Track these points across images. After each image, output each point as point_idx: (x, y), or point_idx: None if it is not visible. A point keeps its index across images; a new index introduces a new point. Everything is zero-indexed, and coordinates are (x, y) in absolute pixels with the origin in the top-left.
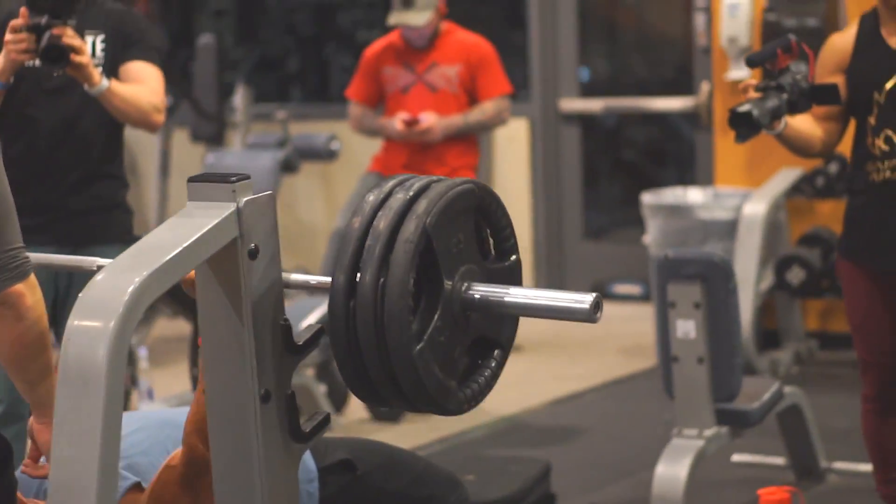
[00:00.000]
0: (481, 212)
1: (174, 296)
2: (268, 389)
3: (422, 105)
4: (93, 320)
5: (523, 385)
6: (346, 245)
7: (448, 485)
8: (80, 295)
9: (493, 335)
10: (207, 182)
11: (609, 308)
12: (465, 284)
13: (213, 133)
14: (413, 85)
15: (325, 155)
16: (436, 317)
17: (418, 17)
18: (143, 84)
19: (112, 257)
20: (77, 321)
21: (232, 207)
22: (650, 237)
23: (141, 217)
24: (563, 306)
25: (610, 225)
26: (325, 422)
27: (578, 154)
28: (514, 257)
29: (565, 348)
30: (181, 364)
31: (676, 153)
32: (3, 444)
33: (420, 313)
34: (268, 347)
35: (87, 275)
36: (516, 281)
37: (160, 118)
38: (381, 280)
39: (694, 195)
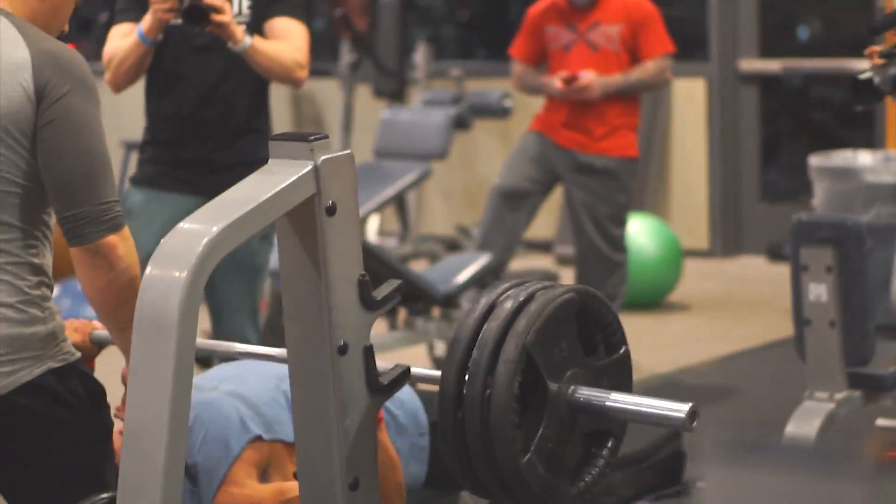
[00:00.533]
0: (585, 314)
1: None
2: (345, 341)
3: (583, 64)
4: (167, 269)
5: (683, 344)
6: (456, 350)
7: None
8: (160, 243)
9: (605, 426)
10: (287, 140)
11: (780, 270)
12: (572, 388)
13: (394, 89)
14: (574, 44)
15: (498, 112)
16: (543, 424)
17: None
18: (287, 40)
19: None
20: (153, 270)
21: (310, 165)
22: (817, 200)
23: None
24: (660, 414)
25: (792, 188)
26: (405, 375)
27: (757, 115)
28: (623, 349)
29: (731, 309)
30: None
31: (868, 116)
32: (98, 385)
33: (528, 420)
34: (345, 301)
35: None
36: (625, 375)
37: (303, 74)
38: (487, 392)
39: (863, 158)
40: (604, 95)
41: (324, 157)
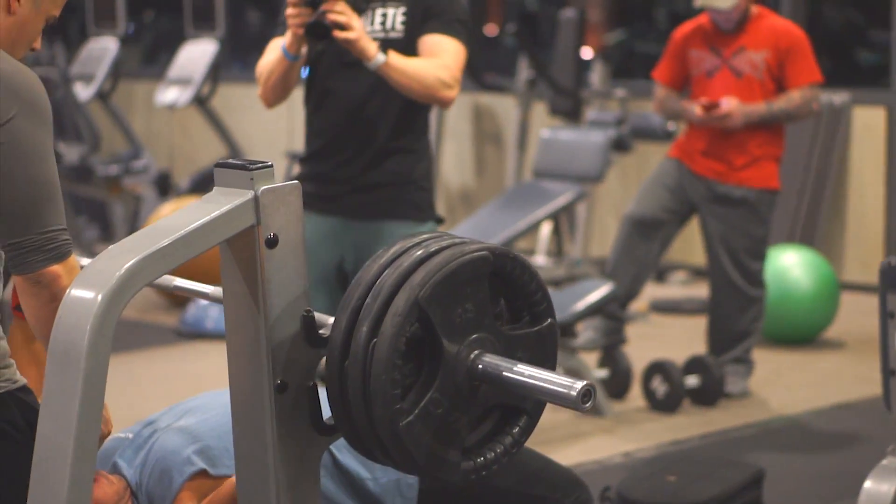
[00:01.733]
0: (503, 279)
1: None
2: (283, 380)
3: (726, 90)
4: (83, 295)
5: (822, 384)
6: (352, 294)
7: (565, 486)
8: (84, 266)
9: (516, 402)
10: (229, 168)
11: None
12: (475, 353)
13: (570, 107)
14: (718, 69)
15: (661, 136)
16: (433, 388)
17: (725, 1)
18: (436, 57)
19: (399, 234)
20: (71, 293)
21: (249, 195)
22: None
23: (500, 186)
24: (553, 390)
25: None
26: None
27: None
28: (547, 322)
29: None
30: None
31: None
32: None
33: (419, 381)
34: (286, 338)
35: (377, 248)
36: (547, 349)
37: (449, 94)
38: (372, 343)
39: None
40: (745, 124)
41: (265, 188)
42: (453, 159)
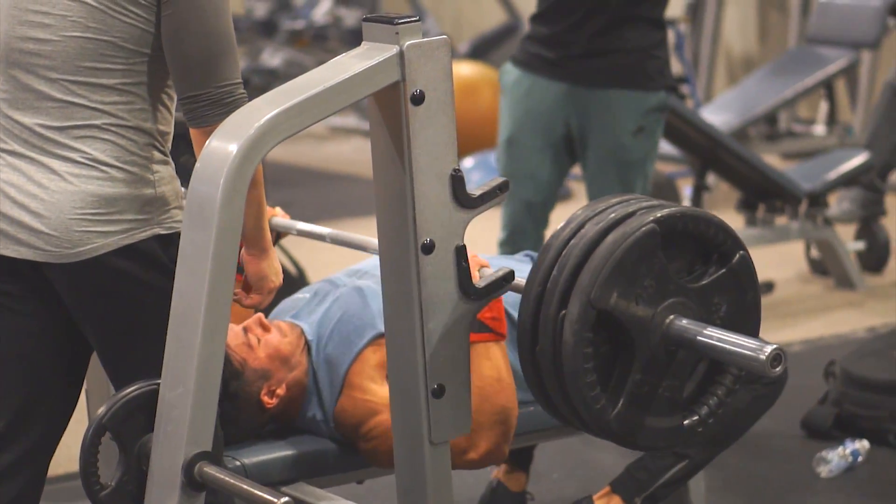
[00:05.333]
0: (674, 238)
1: None
2: (431, 239)
3: None
4: (222, 144)
5: None
6: (544, 257)
7: None
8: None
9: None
10: (376, 23)
11: None
12: (668, 321)
13: None
14: None
15: None
16: (632, 370)
17: None
18: None
19: (627, 103)
20: (211, 142)
21: (394, 50)
22: None
23: (783, 52)
24: (739, 353)
25: None
26: (506, 279)
27: None
28: (737, 257)
29: None
30: None
31: None
32: None
33: (617, 368)
34: (433, 197)
35: (604, 116)
36: (746, 280)
37: None
38: (562, 314)
39: None
40: None
41: (411, 42)
42: (735, 25)
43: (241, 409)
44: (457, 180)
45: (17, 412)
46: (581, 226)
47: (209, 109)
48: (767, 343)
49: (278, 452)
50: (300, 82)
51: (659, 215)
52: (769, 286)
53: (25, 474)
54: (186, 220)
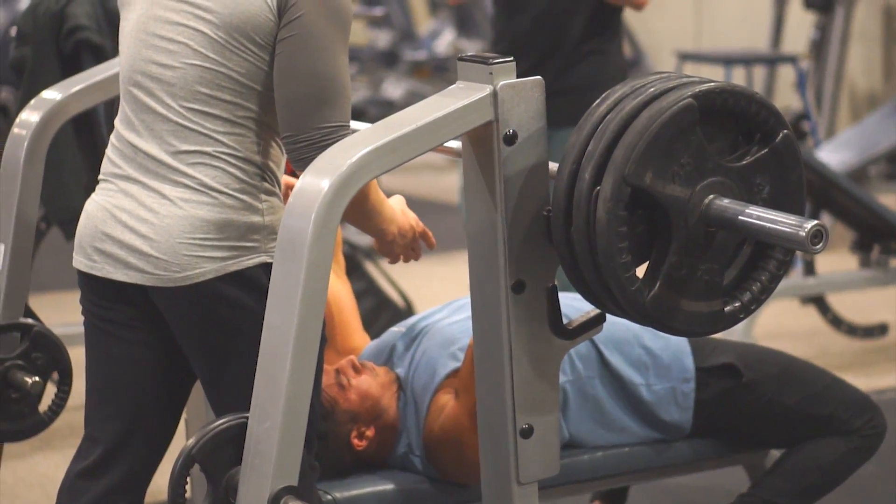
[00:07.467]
0: (715, 115)
1: None
2: (521, 279)
3: None
4: (314, 180)
5: None
6: (579, 135)
7: (856, 408)
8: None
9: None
10: (469, 62)
11: None
12: (707, 201)
13: None
14: None
15: None
16: (670, 252)
17: None
18: None
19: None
20: (304, 178)
21: (488, 89)
22: None
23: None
24: (779, 231)
25: None
26: (598, 320)
27: None
28: (781, 135)
29: None
30: None
31: None
32: None
33: (655, 249)
34: (524, 237)
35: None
36: (789, 160)
37: None
38: (595, 191)
39: None
40: None
41: (505, 82)
42: (860, 62)
43: (330, 450)
44: (549, 220)
45: (116, 439)
46: (619, 101)
47: (307, 151)
48: (809, 220)
49: (370, 487)
50: (395, 120)
51: (698, 90)
52: (883, 328)
53: (122, 503)
54: (278, 255)
